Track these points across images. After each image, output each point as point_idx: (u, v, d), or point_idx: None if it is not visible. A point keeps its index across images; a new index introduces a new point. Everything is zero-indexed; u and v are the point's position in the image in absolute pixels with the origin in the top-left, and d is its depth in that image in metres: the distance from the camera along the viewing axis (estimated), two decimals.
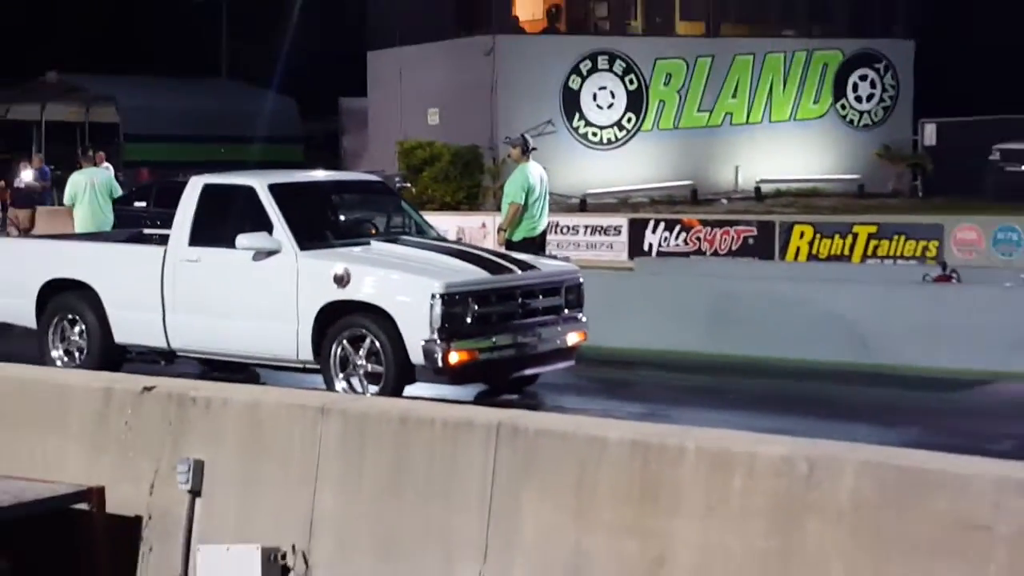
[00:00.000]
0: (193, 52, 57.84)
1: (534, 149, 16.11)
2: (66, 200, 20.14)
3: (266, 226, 12.06)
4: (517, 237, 15.14)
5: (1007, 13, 51.62)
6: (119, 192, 21.09)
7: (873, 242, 24.10)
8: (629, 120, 40.46)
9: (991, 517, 4.93)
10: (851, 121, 42.99)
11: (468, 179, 37.03)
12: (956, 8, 47.06)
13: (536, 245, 15.16)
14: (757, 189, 39.92)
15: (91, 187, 19.73)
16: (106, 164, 21.44)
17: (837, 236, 24.55)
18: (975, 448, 7.28)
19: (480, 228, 27.14)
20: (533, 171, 15.46)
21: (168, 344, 12.72)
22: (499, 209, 17.27)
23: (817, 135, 42.28)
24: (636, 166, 39.77)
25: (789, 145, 41.54)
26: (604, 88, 40.20)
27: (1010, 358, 13.36)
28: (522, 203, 15.21)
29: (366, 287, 11.61)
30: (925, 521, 5.06)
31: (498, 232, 16.14)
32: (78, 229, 18.78)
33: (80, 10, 61.06)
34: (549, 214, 16.34)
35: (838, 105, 42.86)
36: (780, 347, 14.38)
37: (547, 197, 15.67)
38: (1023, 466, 5.18)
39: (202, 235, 12.49)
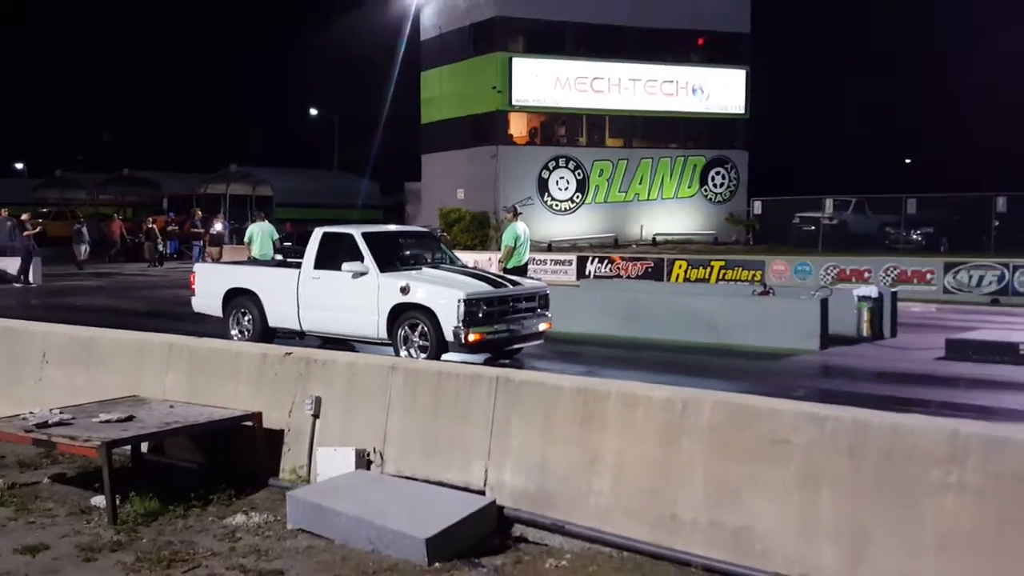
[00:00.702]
0: (317, 153, 58.20)
1: (520, 213, 16.12)
2: (245, 241, 20.11)
3: (360, 258, 12.05)
4: (510, 266, 15.11)
5: (804, 135, 51.82)
6: (276, 236, 21.00)
7: (723, 271, 24.15)
8: (577, 197, 40.57)
9: (791, 434, 4.95)
10: (710, 199, 43.06)
11: (480, 231, 37.15)
12: (769, 133, 47.17)
13: (522, 271, 15.13)
14: (654, 238, 39.92)
15: (260, 233, 19.71)
16: (266, 220, 21.28)
17: (701, 267, 24.60)
18: (782, 394, 7.28)
19: (487, 261, 27.12)
20: (519, 227, 15.42)
21: (301, 327, 12.70)
22: (499, 249, 17.19)
23: (690, 207, 42.40)
24: (581, 224, 39.94)
25: (673, 213, 41.68)
26: (563, 178, 40.38)
27: (803, 341, 13.37)
28: (512, 246, 15.19)
29: (420, 294, 11.58)
30: (753, 437, 5.08)
31: (498, 263, 16.11)
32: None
33: (249, 125, 61.35)
34: (531, 253, 16.32)
35: (703, 189, 42.97)
36: (667, 332, 14.35)
37: (528, 243, 15.64)
38: (809, 404, 5.21)
39: (322, 262, 12.47)
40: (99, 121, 65.98)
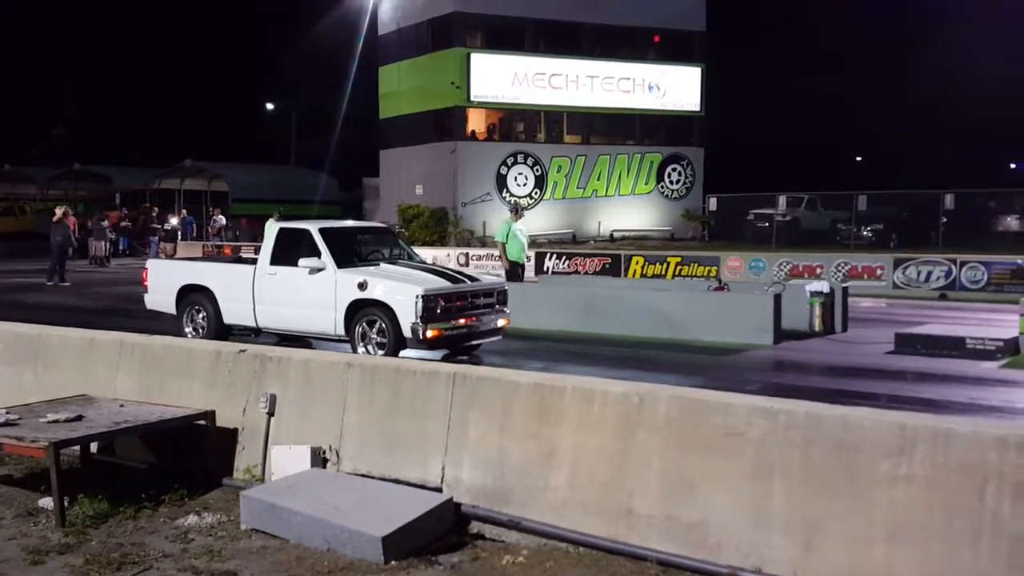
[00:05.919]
0: (274, 148, 57.53)
1: (523, 209, 17.15)
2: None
3: (317, 253, 11.94)
4: (512, 260, 16.70)
5: (759, 132, 52.32)
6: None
7: (679, 267, 24.30)
8: (536, 193, 40.54)
9: (745, 428, 4.98)
10: (667, 196, 43.29)
11: (439, 227, 37.00)
12: (724, 130, 47.64)
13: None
14: (611, 235, 40.08)
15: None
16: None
17: (658, 263, 24.71)
18: (736, 388, 7.34)
19: (446, 257, 26.97)
20: (516, 224, 16.84)
21: (257, 324, 12.56)
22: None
23: (647, 203, 42.61)
24: (540, 220, 39.74)
25: (630, 209, 41.85)
26: (521, 174, 40.34)
27: (757, 336, 13.54)
28: (504, 241, 16.71)
29: (377, 290, 11.50)
30: (707, 430, 5.09)
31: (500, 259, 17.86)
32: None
33: (204, 119, 60.48)
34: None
35: (659, 186, 43.18)
36: (623, 328, 14.45)
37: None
38: (762, 398, 5.23)
39: (278, 258, 12.34)
40: (52, 115, 64.69)
